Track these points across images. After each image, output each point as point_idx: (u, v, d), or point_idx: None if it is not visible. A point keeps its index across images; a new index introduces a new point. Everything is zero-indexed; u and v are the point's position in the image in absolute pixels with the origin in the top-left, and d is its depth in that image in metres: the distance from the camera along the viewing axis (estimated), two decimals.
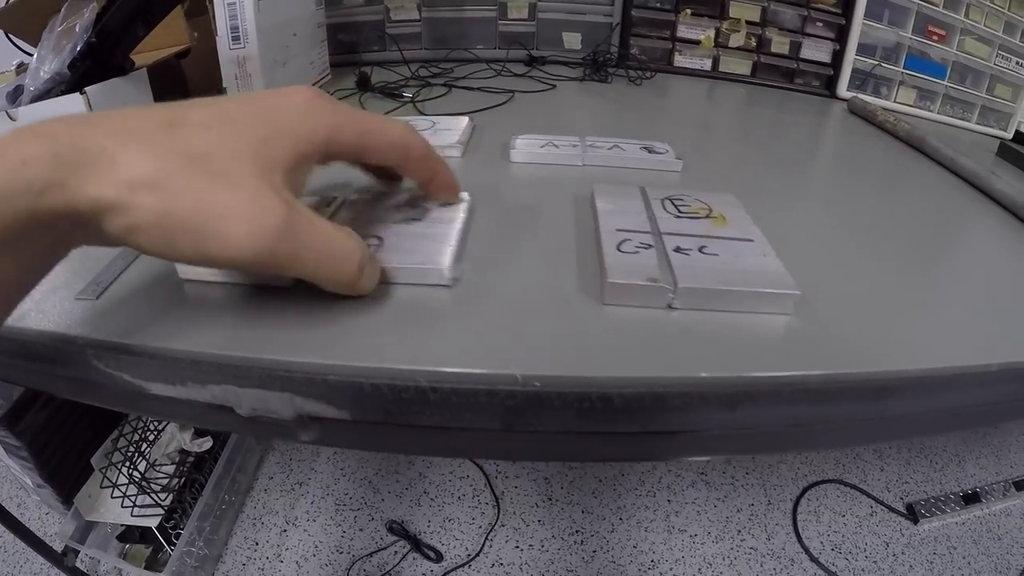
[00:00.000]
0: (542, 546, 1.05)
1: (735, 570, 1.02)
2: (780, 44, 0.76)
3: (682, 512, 1.12)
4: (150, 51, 0.62)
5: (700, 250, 0.28)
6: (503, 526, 1.08)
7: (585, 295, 0.27)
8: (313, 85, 0.63)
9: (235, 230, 0.19)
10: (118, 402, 0.27)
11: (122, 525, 0.93)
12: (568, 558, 1.03)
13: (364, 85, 0.64)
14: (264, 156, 0.21)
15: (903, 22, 0.71)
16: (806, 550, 1.06)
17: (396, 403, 0.22)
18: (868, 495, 1.18)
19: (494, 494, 1.14)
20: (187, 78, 0.66)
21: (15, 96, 0.50)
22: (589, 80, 0.71)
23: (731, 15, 0.75)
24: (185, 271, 0.27)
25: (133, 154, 0.19)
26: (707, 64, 0.78)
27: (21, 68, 0.65)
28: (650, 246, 0.28)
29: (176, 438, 0.99)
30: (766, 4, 0.74)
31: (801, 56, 0.76)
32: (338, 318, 0.24)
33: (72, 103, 0.46)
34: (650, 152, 0.44)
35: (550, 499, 1.13)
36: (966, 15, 0.70)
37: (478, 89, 0.64)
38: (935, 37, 0.72)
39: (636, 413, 0.23)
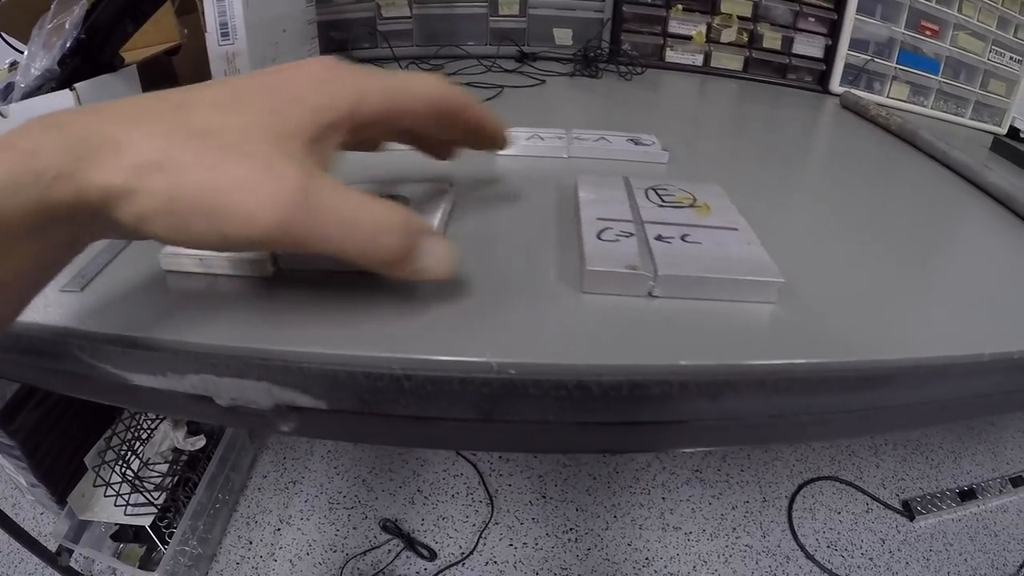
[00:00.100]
0: (536, 544, 1.05)
1: (730, 568, 1.02)
2: (772, 39, 0.75)
3: (677, 509, 1.12)
4: (140, 48, 0.62)
5: (682, 238, 0.28)
6: (497, 524, 1.08)
7: (565, 284, 0.26)
8: None
9: (246, 202, 0.18)
10: (104, 394, 0.27)
11: (116, 524, 0.93)
12: (562, 556, 1.03)
13: None
14: (277, 125, 0.20)
15: (896, 17, 0.71)
16: (801, 547, 1.06)
17: (371, 391, 0.22)
18: (864, 492, 1.17)
19: (488, 492, 1.14)
20: (178, 75, 0.66)
21: (6, 93, 0.50)
22: (579, 75, 0.71)
23: (722, 10, 0.75)
24: (168, 262, 0.27)
25: (138, 137, 0.18)
26: (699, 60, 0.78)
27: (14, 66, 0.65)
28: (631, 234, 0.28)
29: (169, 436, 0.99)
30: None
31: (793, 51, 0.76)
32: (314, 306, 0.24)
33: (62, 99, 0.46)
34: (636, 144, 0.43)
35: (544, 497, 1.13)
36: (959, 10, 0.70)
37: (467, 84, 0.64)
38: (928, 32, 0.72)
39: (614, 402, 0.22)
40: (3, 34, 0.60)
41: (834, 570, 1.02)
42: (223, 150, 0.18)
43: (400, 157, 0.32)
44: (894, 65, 0.73)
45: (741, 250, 0.27)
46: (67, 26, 0.48)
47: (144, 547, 0.95)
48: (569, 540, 1.06)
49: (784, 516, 1.12)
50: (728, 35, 0.76)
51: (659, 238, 0.27)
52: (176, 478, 0.96)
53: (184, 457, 0.99)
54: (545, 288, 0.26)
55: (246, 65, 0.55)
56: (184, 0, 0.67)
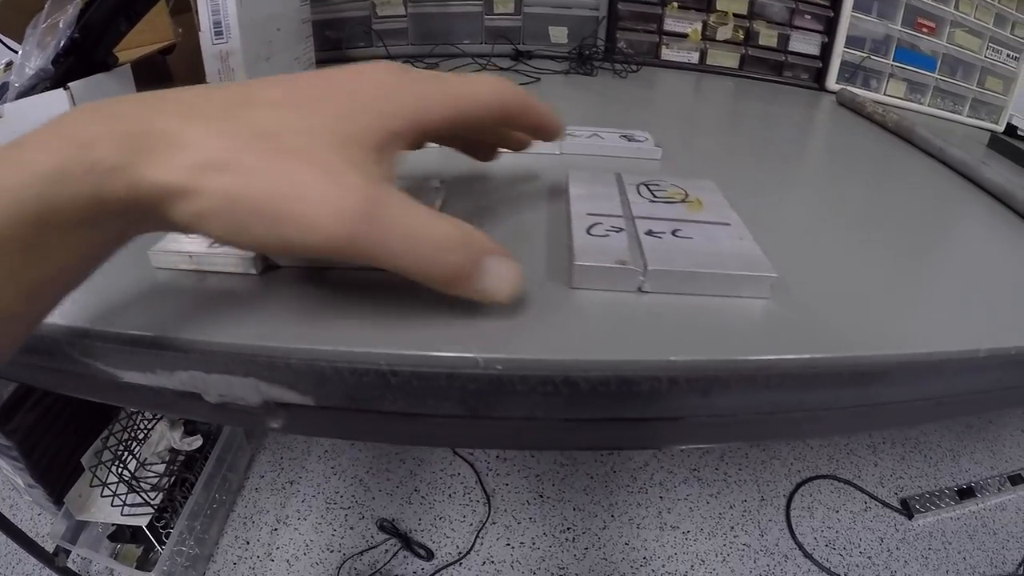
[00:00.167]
0: (533, 544, 1.05)
1: (728, 566, 1.02)
2: (768, 37, 0.75)
3: (674, 509, 1.12)
4: (135, 47, 0.62)
5: (673, 233, 0.27)
6: (494, 524, 1.08)
7: (553, 280, 0.26)
8: None
9: (312, 212, 0.17)
10: (96, 392, 0.26)
11: (113, 525, 0.93)
12: (559, 555, 1.03)
13: None
14: (343, 132, 0.19)
15: (892, 14, 0.71)
16: (799, 546, 1.06)
17: (358, 387, 0.22)
18: (862, 490, 1.17)
19: (485, 492, 1.14)
20: (173, 74, 0.66)
21: (1, 93, 0.50)
22: (574, 73, 0.71)
23: (718, 8, 0.75)
24: (158, 260, 0.27)
25: (199, 135, 0.17)
26: (694, 57, 0.77)
27: (8, 66, 0.64)
28: (621, 230, 0.27)
29: (166, 437, 0.99)
30: None
31: (789, 49, 0.76)
32: (302, 303, 0.24)
33: (56, 99, 0.46)
34: (629, 140, 0.43)
35: (541, 496, 1.13)
36: (956, 7, 0.70)
37: None
38: (925, 29, 0.71)
39: (602, 398, 0.22)
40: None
41: (832, 569, 1.02)
42: (288, 154, 0.18)
43: None
44: (891, 62, 0.72)
45: (733, 245, 0.27)
46: (61, 25, 0.48)
47: (141, 547, 0.95)
48: (566, 539, 1.06)
49: (782, 515, 1.12)
50: (724, 32, 0.76)
51: (649, 233, 0.27)
52: (173, 478, 0.96)
53: (181, 457, 0.99)
54: (534, 284, 0.26)
55: (240, 64, 0.55)
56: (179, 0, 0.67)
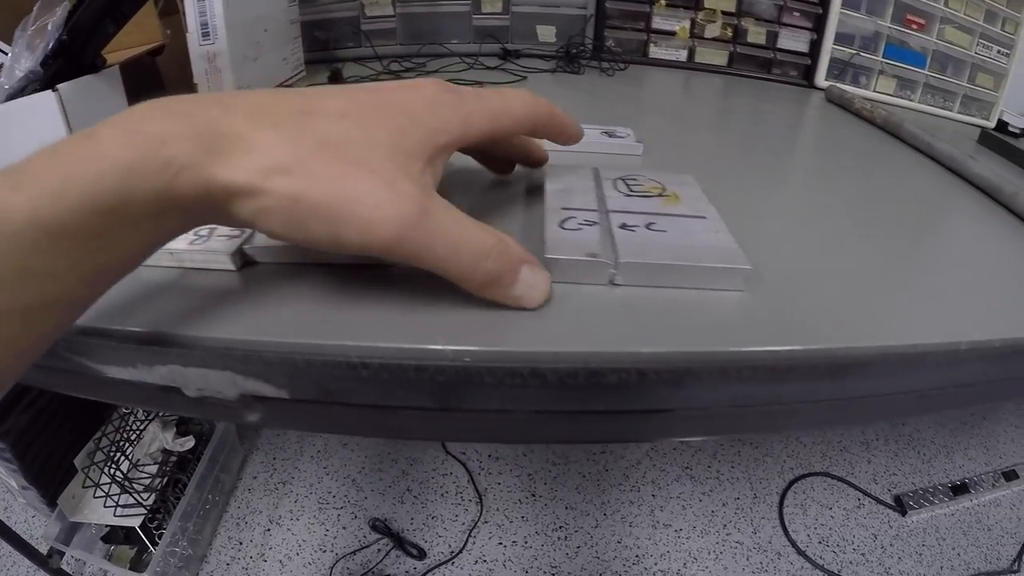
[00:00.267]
0: (525, 542, 1.05)
1: (721, 564, 1.02)
2: (757, 34, 0.75)
3: (667, 507, 1.12)
4: (124, 49, 0.62)
5: (647, 226, 0.27)
6: (486, 523, 1.08)
7: None
8: (285, 82, 0.63)
9: (371, 216, 0.19)
10: (82, 388, 0.27)
11: (106, 526, 0.93)
12: (552, 554, 1.03)
13: (336, 81, 0.64)
14: (401, 145, 0.21)
15: (881, 11, 0.70)
16: (793, 543, 1.06)
17: (330, 380, 0.22)
18: (855, 487, 1.17)
19: (477, 491, 1.14)
20: (163, 75, 0.66)
21: None
22: (561, 72, 0.70)
23: (706, 5, 0.74)
24: None
25: (268, 139, 0.19)
26: (683, 55, 0.77)
27: None
28: (595, 223, 0.27)
29: (159, 438, 0.99)
30: None
31: (778, 46, 0.75)
32: (277, 298, 0.24)
33: (44, 100, 0.46)
34: (611, 136, 0.43)
35: (533, 495, 1.13)
36: (945, 4, 0.69)
37: (448, 82, 0.64)
38: (914, 26, 0.71)
39: (571, 391, 0.22)
40: None
41: (826, 566, 1.02)
42: (350, 163, 0.20)
43: None
44: (880, 59, 0.72)
45: (708, 238, 0.26)
46: (50, 27, 0.48)
47: (135, 549, 0.95)
48: (559, 538, 1.06)
49: (775, 512, 1.12)
50: (712, 30, 0.75)
51: (623, 226, 0.27)
52: (166, 479, 0.96)
53: (173, 458, 0.99)
54: None
55: (226, 65, 0.55)
56: (167, 1, 0.67)
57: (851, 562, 1.04)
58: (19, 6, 0.54)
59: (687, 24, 0.75)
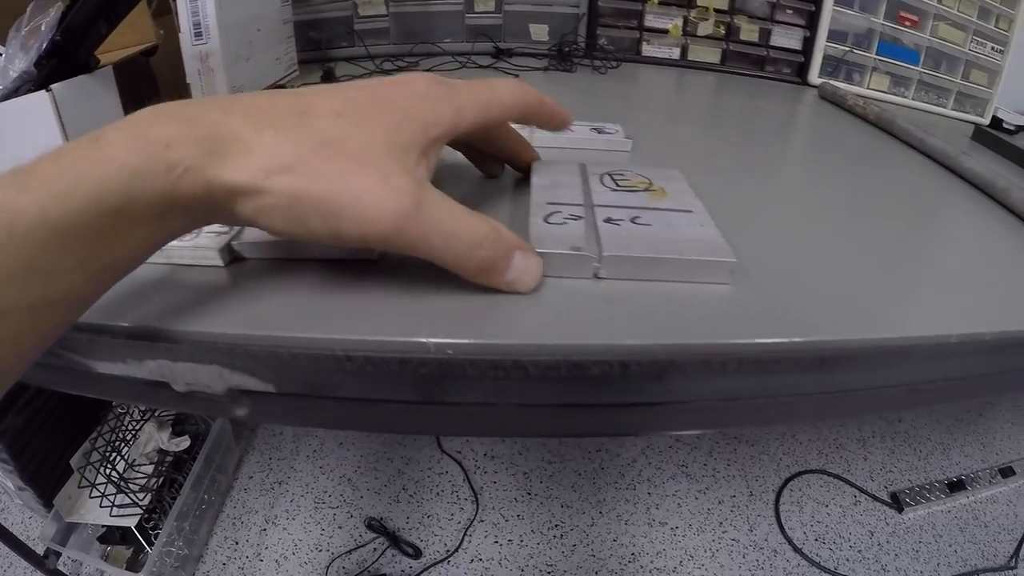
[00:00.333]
0: (521, 541, 1.05)
1: (717, 562, 1.02)
2: (749, 32, 0.75)
3: (663, 505, 1.12)
4: (118, 49, 0.62)
5: (632, 220, 0.27)
6: (482, 521, 1.08)
7: None
8: (278, 82, 0.63)
9: (369, 209, 0.20)
10: (74, 384, 0.27)
11: (102, 526, 0.93)
12: (548, 553, 1.03)
13: (328, 81, 0.64)
14: (396, 140, 0.22)
15: (875, 8, 0.70)
16: (789, 541, 1.06)
17: (316, 373, 0.23)
18: (852, 484, 1.17)
19: (473, 489, 1.14)
20: (156, 76, 0.66)
21: None
22: (553, 70, 0.70)
23: (699, 3, 0.74)
24: None
25: (268, 140, 0.19)
26: (675, 53, 0.77)
27: None
28: (580, 218, 0.27)
29: (154, 438, 0.99)
30: None
31: (771, 43, 0.75)
32: (264, 292, 0.25)
33: (38, 101, 0.47)
34: (599, 133, 0.43)
35: (529, 494, 1.13)
36: (939, 1, 0.69)
37: None
38: (908, 23, 0.71)
39: (554, 383, 0.22)
40: None
41: (822, 563, 1.02)
42: (348, 160, 0.20)
43: None
44: (874, 56, 0.72)
45: (694, 231, 0.27)
46: (44, 28, 0.49)
47: (131, 549, 0.95)
48: (554, 537, 1.06)
49: (771, 510, 1.12)
50: (705, 28, 0.75)
51: (608, 220, 0.27)
52: (162, 479, 0.96)
53: (169, 458, 0.99)
54: None
55: (219, 65, 0.56)
56: (161, 1, 0.67)
57: (847, 559, 1.04)
58: (13, 7, 0.54)
59: (680, 22, 0.75)
